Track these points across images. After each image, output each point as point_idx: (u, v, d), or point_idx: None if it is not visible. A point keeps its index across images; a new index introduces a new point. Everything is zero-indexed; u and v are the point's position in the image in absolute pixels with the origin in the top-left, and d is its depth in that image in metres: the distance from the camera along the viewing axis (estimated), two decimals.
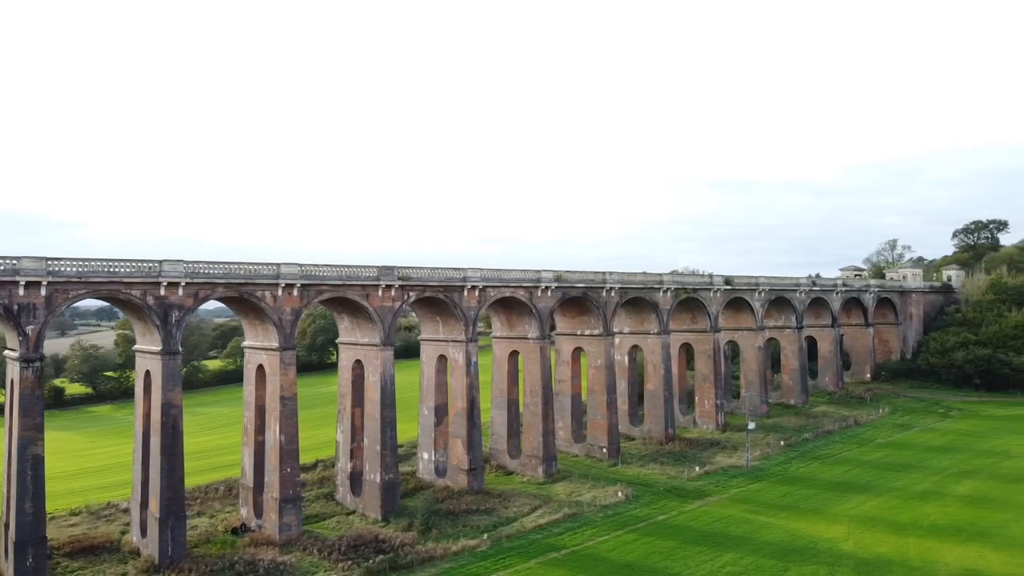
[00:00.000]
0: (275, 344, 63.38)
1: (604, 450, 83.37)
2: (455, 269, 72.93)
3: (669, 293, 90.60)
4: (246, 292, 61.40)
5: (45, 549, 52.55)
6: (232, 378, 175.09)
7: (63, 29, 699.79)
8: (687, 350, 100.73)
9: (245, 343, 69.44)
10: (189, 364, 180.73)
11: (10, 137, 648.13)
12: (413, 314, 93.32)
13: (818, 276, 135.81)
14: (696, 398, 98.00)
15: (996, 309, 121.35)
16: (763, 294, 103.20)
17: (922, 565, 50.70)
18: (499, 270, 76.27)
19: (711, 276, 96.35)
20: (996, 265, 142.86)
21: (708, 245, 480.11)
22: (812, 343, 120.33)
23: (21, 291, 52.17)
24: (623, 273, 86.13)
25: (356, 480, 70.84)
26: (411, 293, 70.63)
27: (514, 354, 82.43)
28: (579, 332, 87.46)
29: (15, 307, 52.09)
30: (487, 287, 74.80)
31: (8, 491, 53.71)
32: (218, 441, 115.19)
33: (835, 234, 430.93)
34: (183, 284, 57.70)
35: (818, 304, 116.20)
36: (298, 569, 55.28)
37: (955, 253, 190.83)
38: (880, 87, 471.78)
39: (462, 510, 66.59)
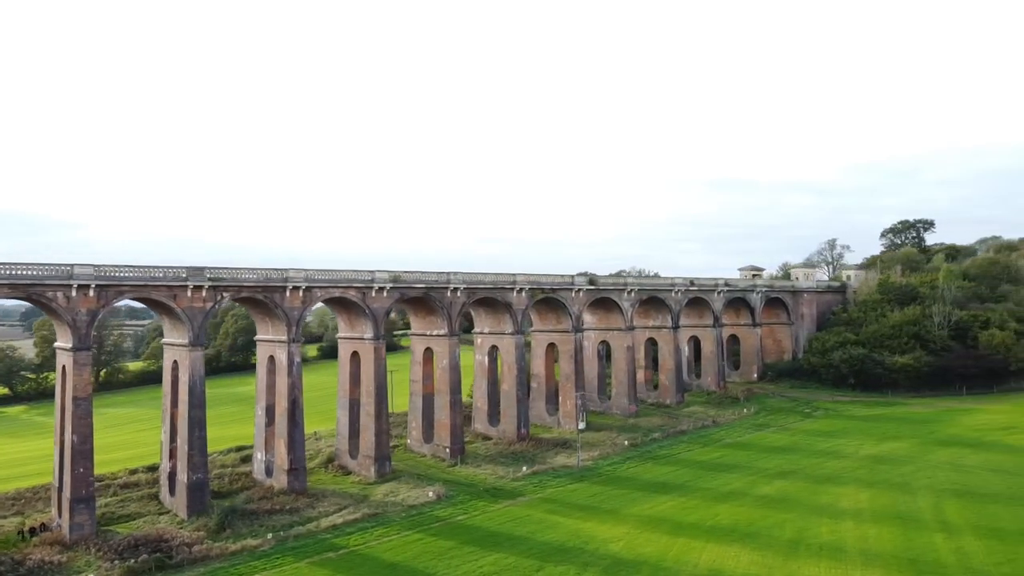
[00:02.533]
0: (70, 344, 63.15)
1: (447, 450, 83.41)
2: (276, 270, 72.75)
3: (524, 293, 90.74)
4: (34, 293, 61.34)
5: None
6: (153, 379, 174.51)
7: (63, 27, 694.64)
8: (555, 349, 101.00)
9: (56, 344, 69.18)
10: (110, 365, 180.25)
11: (9, 137, 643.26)
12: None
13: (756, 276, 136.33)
14: (560, 398, 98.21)
15: (880, 309, 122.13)
16: (633, 294, 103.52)
17: (673, 565, 50.80)
18: (328, 270, 76.19)
19: (573, 276, 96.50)
20: (891, 265, 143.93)
21: (709, 245, 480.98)
22: (698, 343, 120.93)
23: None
24: (470, 273, 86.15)
25: (172, 480, 70.65)
26: (224, 294, 70.48)
27: (355, 355, 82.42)
28: (428, 332, 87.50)
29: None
30: (312, 287, 74.70)
31: None
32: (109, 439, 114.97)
33: (835, 234, 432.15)
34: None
35: (701, 304, 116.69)
36: (67, 568, 55.14)
37: (882, 253, 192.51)
38: (880, 87, 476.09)
39: (267, 510, 66.52)
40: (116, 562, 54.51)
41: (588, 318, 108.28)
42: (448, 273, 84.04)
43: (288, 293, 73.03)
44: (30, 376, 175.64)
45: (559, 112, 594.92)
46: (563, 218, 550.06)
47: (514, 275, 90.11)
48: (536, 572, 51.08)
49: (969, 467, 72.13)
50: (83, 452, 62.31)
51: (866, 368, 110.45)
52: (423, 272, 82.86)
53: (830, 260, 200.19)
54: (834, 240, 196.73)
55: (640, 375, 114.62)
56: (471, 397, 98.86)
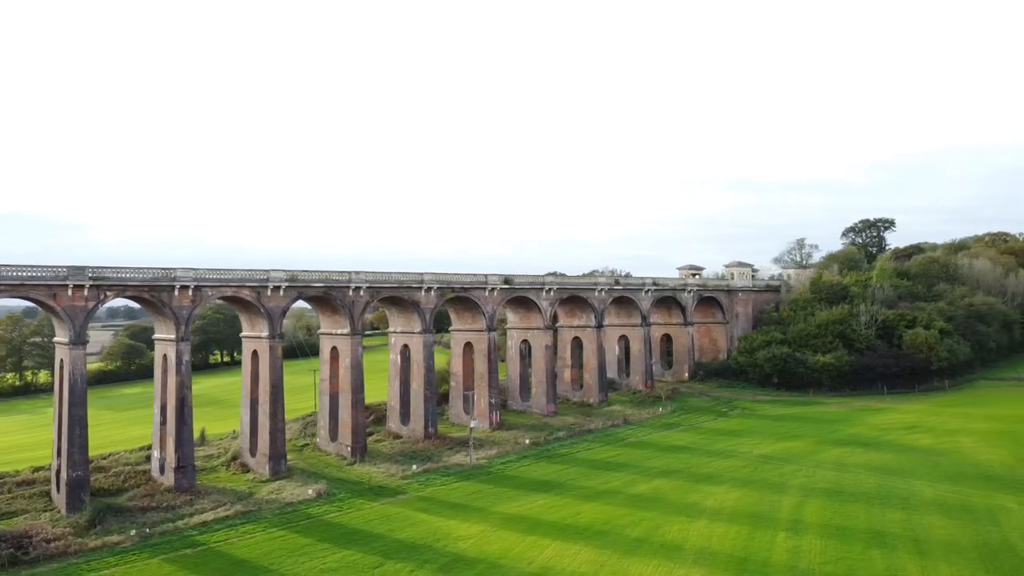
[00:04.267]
0: None
1: (349, 448, 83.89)
2: (164, 269, 73.24)
3: (433, 292, 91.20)
4: None
5: None
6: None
7: (65, 27, 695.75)
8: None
9: None
10: None
11: (12, 137, 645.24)
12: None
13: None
14: (475, 397, 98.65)
15: (810, 308, 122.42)
16: (552, 293, 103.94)
17: (509, 563, 51.13)
18: (222, 270, 76.65)
19: (486, 276, 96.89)
20: (828, 264, 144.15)
21: (723, 246, 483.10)
22: (629, 342, 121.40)
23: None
24: (374, 272, 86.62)
25: (59, 478, 71.17)
26: (108, 293, 70.98)
27: (255, 354, 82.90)
28: (334, 332, 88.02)
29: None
30: (203, 287, 75.16)
31: None
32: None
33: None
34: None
35: (630, 304, 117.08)
36: None
37: (840, 251, 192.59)
38: (896, 84, 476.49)
39: (144, 507, 67.09)
40: None
41: (511, 317, 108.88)
42: (350, 272, 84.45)
43: (177, 292, 73.46)
44: None
45: (574, 114, 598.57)
46: (589, 218, 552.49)
47: (422, 274, 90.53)
48: (374, 569, 51.65)
49: (850, 466, 72.46)
50: None
51: (789, 368, 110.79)
52: (324, 271, 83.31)
53: (798, 259, 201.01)
54: (803, 239, 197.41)
55: (567, 374, 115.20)
56: None
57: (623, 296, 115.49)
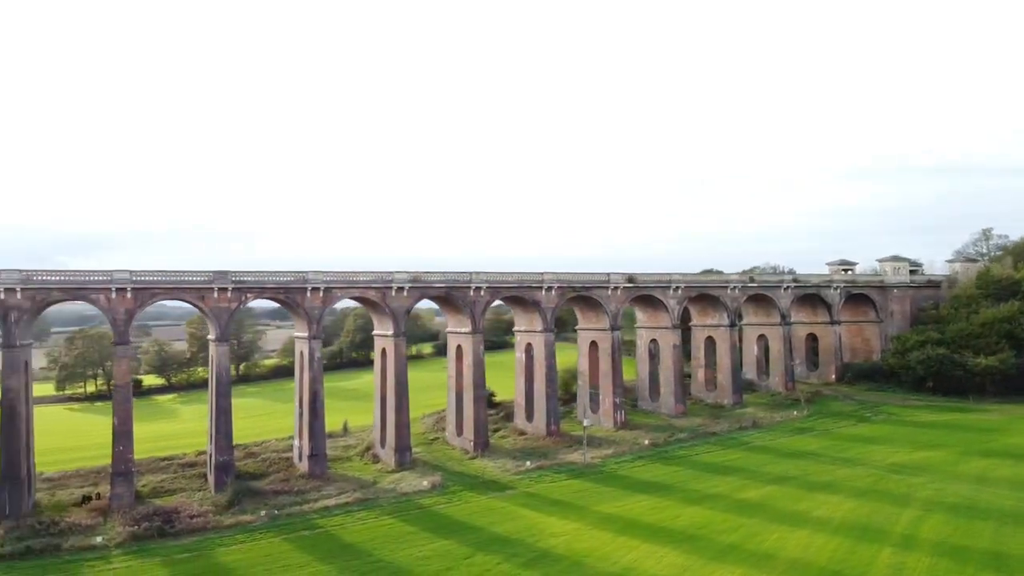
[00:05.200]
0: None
1: (472, 443, 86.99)
2: (297, 272, 79.49)
3: (553, 292, 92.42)
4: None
5: None
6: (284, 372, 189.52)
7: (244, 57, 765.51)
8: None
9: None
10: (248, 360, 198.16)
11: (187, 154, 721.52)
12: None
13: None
14: (600, 396, 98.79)
15: (974, 305, 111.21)
16: (679, 291, 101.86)
17: (593, 562, 51.56)
18: (349, 272, 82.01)
19: (608, 274, 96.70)
20: (1002, 258, 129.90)
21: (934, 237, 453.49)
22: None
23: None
24: (493, 272, 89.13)
25: (210, 461, 79.30)
26: (249, 295, 78.05)
27: (384, 352, 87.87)
28: (458, 330, 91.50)
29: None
30: (332, 288, 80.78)
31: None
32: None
33: None
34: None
35: (768, 301, 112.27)
36: (90, 530, 63.74)
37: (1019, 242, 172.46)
38: None
39: (278, 490, 73.44)
40: (128, 528, 62.99)
41: (640, 316, 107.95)
42: (470, 273, 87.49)
43: (308, 293, 79.56)
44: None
45: (730, 104, 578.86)
46: (744, 213, 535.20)
47: (542, 274, 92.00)
48: (464, 559, 53.79)
49: (992, 480, 66.17)
50: (123, 434, 71.78)
51: (945, 370, 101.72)
52: (445, 272, 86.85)
53: (985, 251, 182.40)
54: (989, 229, 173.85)
55: (701, 374, 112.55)
56: None
57: (760, 294, 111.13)
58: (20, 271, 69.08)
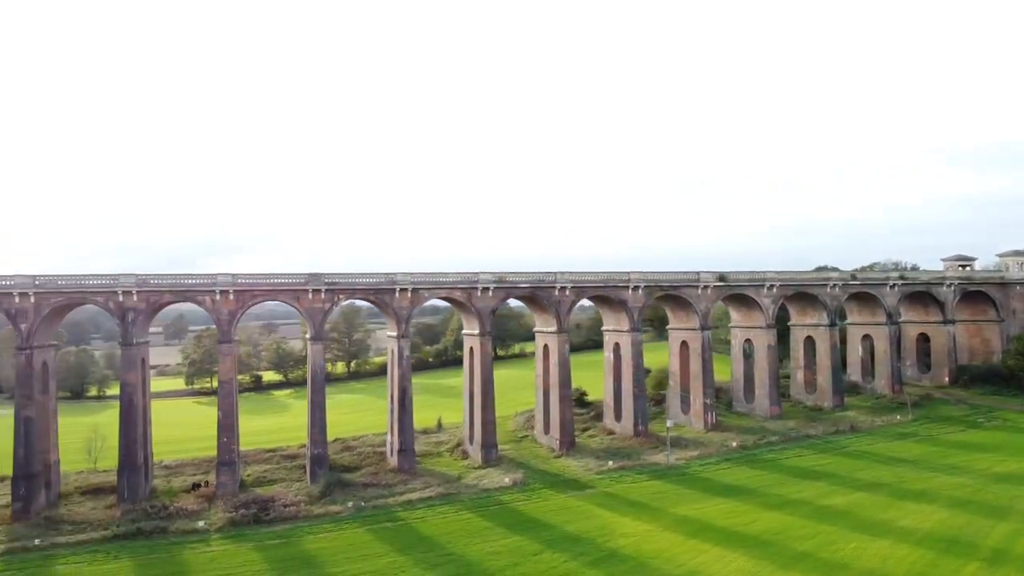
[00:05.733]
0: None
1: (558, 442, 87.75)
2: (386, 274, 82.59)
3: (640, 291, 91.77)
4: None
5: None
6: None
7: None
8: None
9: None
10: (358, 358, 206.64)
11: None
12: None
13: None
14: (691, 397, 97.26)
15: None
16: (773, 289, 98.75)
17: (659, 564, 51.49)
18: (433, 273, 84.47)
19: (698, 273, 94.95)
20: None
21: None
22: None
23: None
24: (577, 272, 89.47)
25: (308, 455, 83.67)
26: (341, 296, 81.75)
27: (472, 350, 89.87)
28: (545, 330, 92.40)
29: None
30: (419, 289, 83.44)
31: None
32: None
33: None
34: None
35: (871, 300, 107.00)
36: (195, 514, 68.64)
37: None
38: None
39: (367, 483, 76.76)
40: (227, 514, 67.64)
41: (734, 315, 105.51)
42: (555, 273, 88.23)
43: (397, 294, 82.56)
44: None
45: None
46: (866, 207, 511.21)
47: (628, 273, 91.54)
48: (532, 556, 54.82)
49: None
50: (227, 426, 76.91)
51: None
52: (530, 272, 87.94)
53: None
54: None
55: (800, 375, 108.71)
56: None
57: (864, 292, 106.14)
58: (136, 276, 75.30)
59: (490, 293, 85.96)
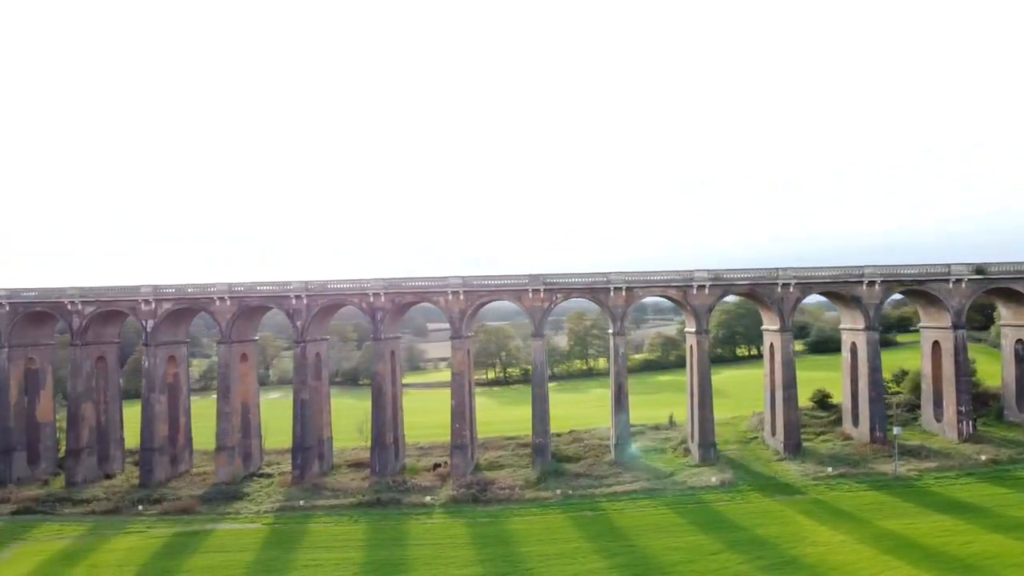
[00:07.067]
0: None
1: (782, 445, 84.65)
2: (600, 274, 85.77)
3: (876, 286, 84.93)
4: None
5: None
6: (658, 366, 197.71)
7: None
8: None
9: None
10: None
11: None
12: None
13: None
14: (944, 403, 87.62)
15: None
16: None
17: None
18: (647, 272, 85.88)
19: (948, 265, 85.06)
20: None
21: None
22: None
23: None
24: (802, 267, 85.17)
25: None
26: (558, 295, 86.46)
27: (691, 348, 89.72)
28: (769, 328, 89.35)
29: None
30: (633, 288, 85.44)
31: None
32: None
33: None
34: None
35: None
36: (427, 489, 77.74)
37: None
38: None
39: (581, 473, 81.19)
40: (451, 492, 75.80)
41: (1003, 312, 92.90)
42: (777, 269, 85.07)
43: (612, 293, 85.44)
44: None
45: None
46: None
47: (862, 267, 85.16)
48: (711, 555, 55.27)
49: None
50: (459, 414, 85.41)
51: None
52: (748, 269, 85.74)
53: None
54: None
55: None
56: None
57: None
58: (384, 279, 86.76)
59: (706, 291, 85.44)
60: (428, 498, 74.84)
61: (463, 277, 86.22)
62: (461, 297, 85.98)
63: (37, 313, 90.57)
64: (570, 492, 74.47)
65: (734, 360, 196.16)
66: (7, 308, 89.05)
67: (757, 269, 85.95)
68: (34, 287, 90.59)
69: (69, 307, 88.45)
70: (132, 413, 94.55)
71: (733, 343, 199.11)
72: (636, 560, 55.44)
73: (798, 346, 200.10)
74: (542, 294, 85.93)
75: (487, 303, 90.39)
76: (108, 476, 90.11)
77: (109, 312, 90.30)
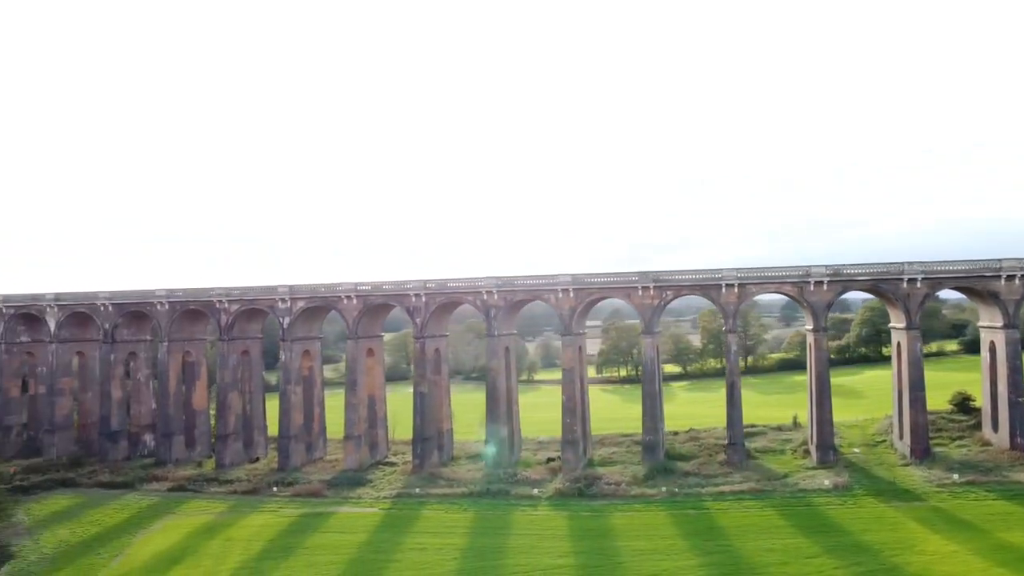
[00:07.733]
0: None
1: (909, 449, 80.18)
2: (711, 271, 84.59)
3: (1017, 280, 78.51)
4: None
5: None
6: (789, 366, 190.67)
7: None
8: None
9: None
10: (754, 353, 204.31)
11: None
12: None
13: None
14: None
15: None
16: None
17: None
18: (762, 268, 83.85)
19: None
20: None
21: None
22: None
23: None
24: (932, 261, 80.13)
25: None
26: (668, 292, 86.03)
27: (809, 346, 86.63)
28: (895, 325, 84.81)
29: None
30: (746, 284, 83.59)
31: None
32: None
33: None
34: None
35: None
36: (536, 484, 79.85)
37: None
38: None
39: (691, 472, 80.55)
40: (558, 486, 77.39)
41: None
42: (902, 264, 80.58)
43: (724, 290, 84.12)
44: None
45: None
46: None
47: (999, 260, 79.03)
48: (806, 559, 54.31)
49: None
50: (569, 409, 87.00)
51: None
52: (870, 264, 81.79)
53: None
54: None
55: None
56: None
57: None
58: (497, 278, 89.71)
59: (824, 287, 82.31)
60: (536, 490, 76.98)
61: (572, 275, 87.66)
62: (571, 295, 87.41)
63: (191, 311, 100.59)
64: (676, 490, 74.23)
65: (879, 360, 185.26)
66: (167, 306, 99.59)
67: (880, 263, 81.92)
68: (186, 287, 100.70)
69: (217, 305, 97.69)
70: (273, 404, 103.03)
71: (879, 342, 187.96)
72: (728, 560, 55.16)
73: (952, 346, 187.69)
74: (652, 291, 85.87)
75: (597, 301, 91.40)
76: (253, 460, 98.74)
77: (251, 310, 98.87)
